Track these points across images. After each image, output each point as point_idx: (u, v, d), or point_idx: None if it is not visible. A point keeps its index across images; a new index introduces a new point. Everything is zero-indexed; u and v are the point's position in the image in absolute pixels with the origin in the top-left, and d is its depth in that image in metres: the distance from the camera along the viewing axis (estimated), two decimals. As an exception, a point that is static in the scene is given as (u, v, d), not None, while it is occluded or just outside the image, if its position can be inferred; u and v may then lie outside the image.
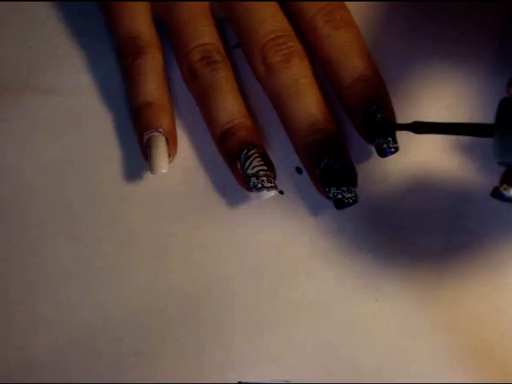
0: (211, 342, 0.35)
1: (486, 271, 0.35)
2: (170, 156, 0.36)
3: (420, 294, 0.36)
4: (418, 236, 0.36)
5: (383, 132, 0.34)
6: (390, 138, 0.35)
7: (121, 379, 0.35)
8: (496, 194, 0.29)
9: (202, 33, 0.36)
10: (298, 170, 0.37)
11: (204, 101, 0.36)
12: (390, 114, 0.35)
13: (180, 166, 0.37)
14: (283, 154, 0.37)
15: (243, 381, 0.35)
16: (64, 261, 0.37)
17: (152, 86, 0.37)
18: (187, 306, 0.36)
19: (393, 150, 0.35)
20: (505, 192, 0.28)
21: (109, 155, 0.38)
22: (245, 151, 0.35)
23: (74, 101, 0.39)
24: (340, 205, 0.35)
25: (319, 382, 0.35)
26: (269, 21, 0.36)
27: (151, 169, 0.36)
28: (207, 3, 0.37)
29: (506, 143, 0.27)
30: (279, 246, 0.36)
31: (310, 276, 0.36)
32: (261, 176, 0.35)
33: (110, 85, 0.39)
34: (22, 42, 0.40)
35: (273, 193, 0.35)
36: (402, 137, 0.35)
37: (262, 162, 0.35)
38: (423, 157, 0.37)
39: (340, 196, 0.35)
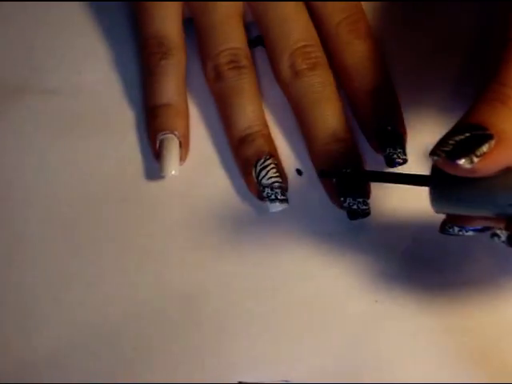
0: (211, 342, 0.35)
1: (486, 271, 0.36)
2: (180, 159, 0.37)
3: (420, 295, 0.36)
4: (417, 236, 0.36)
5: (393, 142, 0.35)
6: (400, 150, 0.35)
7: (121, 379, 0.35)
8: (443, 230, 0.32)
9: (233, 36, 0.37)
10: (299, 172, 0.37)
11: (226, 103, 0.37)
12: (400, 127, 0.36)
13: (184, 167, 0.38)
14: (284, 155, 0.37)
15: (243, 381, 0.35)
16: (64, 261, 0.37)
17: (173, 88, 0.37)
18: (187, 306, 0.36)
19: (401, 161, 0.35)
20: (450, 230, 0.31)
21: (109, 155, 0.38)
22: (261, 160, 0.35)
23: (74, 101, 0.39)
24: (354, 215, 0.35)
25: (319, 381, 0.35)
26: (300, 29, 0.37)
27: (162, 170, 0.36)
28: (241, 7, 0.37)
29: (438, 197, 0.29)
30: (279, 247, 0.36)
31: (309, 276, 0.36)
32: (275, 188, 0.35)
33: (110, 85, 0.39)
34: (22, 42, 0.40)
35: (283, 206, 0.36)
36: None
37: (277, 174, 0.36)
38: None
39: (355, 207, 0.35)
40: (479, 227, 0.30)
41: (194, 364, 0.35)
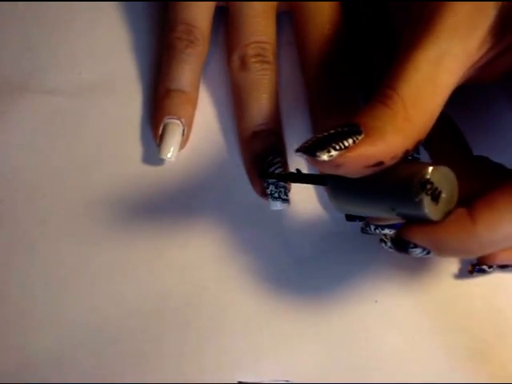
0: (211, 342, 0.35)
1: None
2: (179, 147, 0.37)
3: (419, 295, 0.36)
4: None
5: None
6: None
7: (120, 379, 0.35)
8: (362, 229, 0.34)
9: (265, 31, 0.37)
10: (298, 171, 0.37)
11: (244, 94, 0.37)
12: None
13: (182, 162, 0.38)
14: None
15: (243, 381, 0.35)
16: (64, 261, 0.37)
17: (191, 77, 0.37)
18: (187, 305, 0.36)
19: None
20: (367, 228, 0.34)
21: (109, 155, 0.38)
22: (271, 157, 0.36)
23: (74, 101, 0.39)
24: (351, 217, 0.35)
25: (319, 381, 0.35)
26: (331, 24, 0.37)
27: (161, 153, 0.36)
28: (275, 2, 0.38)
29: (333, 198, 0.29)
30: (279, 247, 0.37)
31: (309, 276, 0.36)
32: (280, 187, 0.35)
33: (110, 85, 0.39)
34: (22, 41, 0.40)
35: (284, 206, 0.36)
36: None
37: (283, 173, 0.36)
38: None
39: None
40: (400, 224, 0.29)
41: (193, 364, 0.35)
